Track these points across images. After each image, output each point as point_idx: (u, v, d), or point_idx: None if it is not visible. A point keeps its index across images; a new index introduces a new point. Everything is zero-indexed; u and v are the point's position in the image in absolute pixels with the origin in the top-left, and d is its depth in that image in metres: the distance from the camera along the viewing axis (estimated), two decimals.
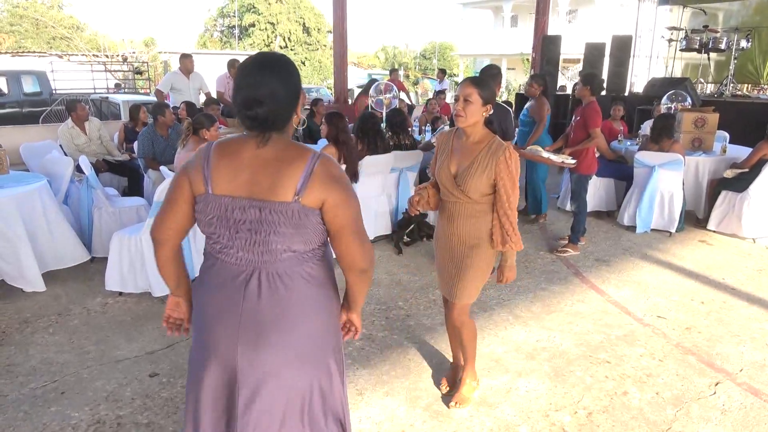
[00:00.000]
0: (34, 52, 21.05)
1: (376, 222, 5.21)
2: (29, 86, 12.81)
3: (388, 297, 4.04)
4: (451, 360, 3.03)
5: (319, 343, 1.63)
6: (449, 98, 14.33)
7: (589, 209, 5.27)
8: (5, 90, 12.56)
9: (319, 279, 1.60)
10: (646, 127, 6.98)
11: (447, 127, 5.73)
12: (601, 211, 6.32)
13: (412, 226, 5.19)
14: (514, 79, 26.52)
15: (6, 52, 20.12)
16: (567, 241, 5.14)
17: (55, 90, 13.70)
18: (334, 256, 1.68)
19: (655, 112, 7.37)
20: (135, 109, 6.52)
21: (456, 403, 2.71)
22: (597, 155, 5.13)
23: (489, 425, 2.61)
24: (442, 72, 13.56)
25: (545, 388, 2.92)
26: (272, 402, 1.58)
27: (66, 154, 5.45)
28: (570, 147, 4.81)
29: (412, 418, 2.65)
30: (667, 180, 5.58)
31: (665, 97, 7.37)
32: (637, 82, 12.92)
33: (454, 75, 30.26)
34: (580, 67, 16.63)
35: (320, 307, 1.61)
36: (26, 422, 2.56)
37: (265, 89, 1.44)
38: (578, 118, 4.80)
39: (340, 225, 1.53)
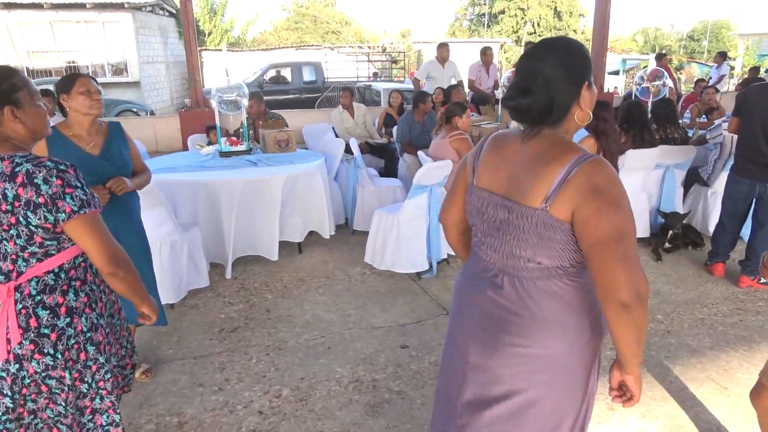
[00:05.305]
0: (312, 45, 24.22)
1: None
2: (307, 75, 14.85)
3: None
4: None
5: (554, 373, 1.40)
6: (727, 86, 12.32)
7: None
8: (289, 78, 14.77)
9: (569, 300, 1.36)
10: None
11: (725, 123, 4.87)
12: None
13: (675, 231, 4.60)
14: None
15: (291, 46, 23.55)
16: None
17: (327, 78, 15.60)
18: None
19: None
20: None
21: None
22: None
23: None
24: (721, 55, 11.68)
25: None
26: (487, 414, 1.47)
27: (337, 136, 6.15)
28: None
29: None
30: None
31: None
32: None
33: (731, 59, 25.91)
34: None
35: (565, 331, 1.37)
36: (301, 368, 2.97)
37: (532, 78, 1.31)
38: None
39: (592, 240, 1.25)
